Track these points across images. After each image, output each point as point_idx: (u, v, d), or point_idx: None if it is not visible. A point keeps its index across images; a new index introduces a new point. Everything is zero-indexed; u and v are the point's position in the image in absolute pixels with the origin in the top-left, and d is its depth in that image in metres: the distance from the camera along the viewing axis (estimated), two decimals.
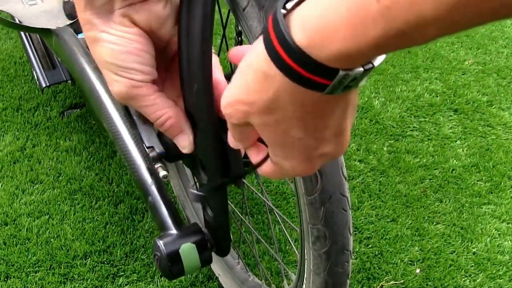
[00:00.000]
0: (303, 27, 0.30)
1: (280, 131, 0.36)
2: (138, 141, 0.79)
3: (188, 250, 0.67)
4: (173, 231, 0.70)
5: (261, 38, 0.34)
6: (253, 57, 0.34)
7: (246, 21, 0.61)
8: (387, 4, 0.25)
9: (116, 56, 0.47)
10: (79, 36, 1.32)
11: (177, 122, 0.52)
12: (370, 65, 0.32)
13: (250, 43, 0.64)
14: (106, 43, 0.47)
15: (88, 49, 1.21)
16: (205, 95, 0.49)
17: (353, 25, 0.27)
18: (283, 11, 0.31)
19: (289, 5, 0.31)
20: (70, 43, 1.02)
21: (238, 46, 0.43)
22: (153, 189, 0.73)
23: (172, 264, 0.66)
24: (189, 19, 0.47)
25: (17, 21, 1.20)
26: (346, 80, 0.31)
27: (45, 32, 1.12)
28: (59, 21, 1.14)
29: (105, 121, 0.82)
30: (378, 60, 0.32)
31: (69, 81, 1.40)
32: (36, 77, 1.39)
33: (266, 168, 0.41)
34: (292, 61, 0.30)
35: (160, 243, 0.68)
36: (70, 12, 1.21)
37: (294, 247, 1.20)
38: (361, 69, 0.31)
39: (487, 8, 0.24)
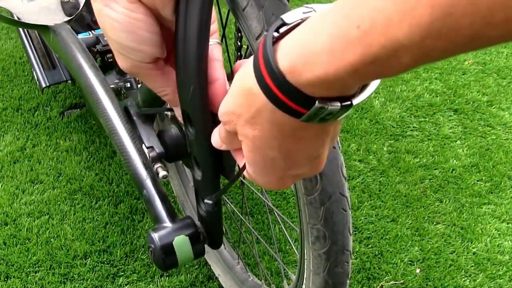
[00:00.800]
0: (286, 53, 0.31)
1: (256, 147, 0.38)
2: (134, 135, 0.80)
3: (181, 242, 0.69)
4: (167, 223, 0.72)
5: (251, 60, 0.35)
6: (244, 72, 0.35)
7: (245, 21, 0.61)
8: (365, 29, 0.26)
9: (117, 33, 0.46)
10: (79, 36, 1.32)
11: (174, 98, 0.53)
12: (348, 102, 0.33)
13: (249, 43, 0.64)
14: (108, 18, 0.46)
15: (101, 61, 1.21)
16: (200, 96, 0.49)
17: (333, 50, 0.28)
18: (276, 34, 0.33)
19: (282, 29, 0.33)
20: (67, 40, 1.03)
21: (244, 60, 0.44)
22: (148, 183, 0.75)
23: (165, 256, 0.68)
24: (186, 19, 0.46)
25: (16, 18, 1.21)
26: (322, 113, 0.33)
27: (43, 29, 1.12)
28: (56, 18, 1.15)
29: (101, 117, 0.83)
30: (358, 99, 0.34)
31: (69, 81, 1.40)
32: (36, 77, 1.39)
33: (246, 174, 0.43)
34: (274, 85, 0.32)
35: (155, 235, 0.69)
36: (69, 10, 1.22)
37: (294, 247, 1.20)
38: (338, 104, 0.33)
39: (460, 38, 0.25)
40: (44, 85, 1.36)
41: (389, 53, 0.26)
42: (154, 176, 0.76)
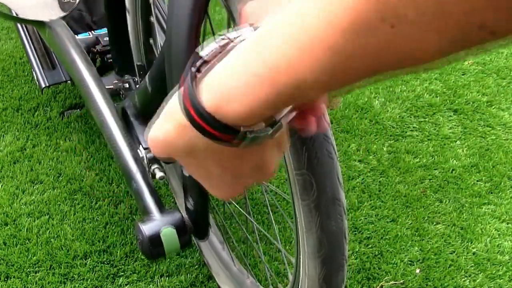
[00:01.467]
0: (209, 91, 0.32)
1: (201, 169, 0.39)
2: (124, 129, 0.81)
3: (168, 233, 0.71)
4: (155, 215, 0.74)
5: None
6: (173, 104, 0.36)
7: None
8: (271, 69, 0.29)
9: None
10: (79, 36, 1.32)
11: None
12: (276, 122, 0.35)
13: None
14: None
15: (101, 61, 1.24)
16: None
17: (246, 88, 0.30)
18: (193, 70, 0.34)
19: (200, 63, 0.34)
20: (62, 35, 1.04)
21: None
22: (137, 175, 0.77)
23: (153, 246, 0.71)
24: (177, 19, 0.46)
25: (13, 13, 1.21)
26: (250, 138, 0.34)
27: (39, 24, 1.13)
28: (52, 13, 1.16)
29: (93, 110, 0.85)
30: (285, 117, 0.35)
31: (69, 81, 1.40)
32: (36, 78, 1.39)
33: None
34: (200, 119, 0.33)
35: (142, 226, 0.71)
36: (65, 6, 1.22)
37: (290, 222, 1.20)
38: (262, 125, 0.34)
39: (355, 76, 0.28)
40: (44, 85, 1.36)
41: (295, 89, 0.29)
42: (143, 169, 0.78)
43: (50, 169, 1.39)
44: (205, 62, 0.33)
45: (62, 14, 1.15)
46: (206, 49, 0.34)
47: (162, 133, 0.37)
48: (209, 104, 0.32)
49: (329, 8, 0.25)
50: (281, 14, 0.28)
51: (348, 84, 0.29)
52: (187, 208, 0.74)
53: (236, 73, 0.31)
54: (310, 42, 0.26)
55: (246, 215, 1.08)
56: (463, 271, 1.21)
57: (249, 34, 0.33)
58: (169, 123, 0.36)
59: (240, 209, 1.17)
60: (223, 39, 0.34)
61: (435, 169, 1.46)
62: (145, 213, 0.75)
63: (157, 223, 0.72)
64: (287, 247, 1.25)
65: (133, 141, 0.81)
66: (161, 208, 0.75)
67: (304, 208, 0.67)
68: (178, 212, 0.74)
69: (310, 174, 0.65)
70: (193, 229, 0.74)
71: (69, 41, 1.01)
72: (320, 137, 0.64)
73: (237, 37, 0.34)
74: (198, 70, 0.33)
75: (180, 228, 0.72)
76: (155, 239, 0.70)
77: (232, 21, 0.64)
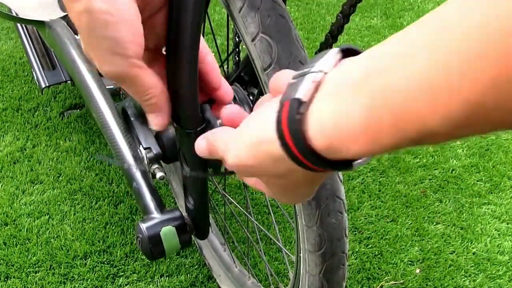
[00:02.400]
0: (321, 133, 0.30)
1: (288, 188, 0.38)
2: (124, 129, 0.81)
3: (168, 232, 0.72)
4: (155, 214, 0.74)
5: (268, 113, 0.34)
6: (263, 137, 0.34)
7: (241, 22, 0.61)
8: (399, 117, 0.27)
9: (114, 27, 0.41)
10: (78, 37, 1.32)
11: (158, 101, 0.48)
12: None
13: (246, 45, 0.64)
14: (100, 13, 0.40)
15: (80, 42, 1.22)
16: (191, 94, 0.50)
17: (368, 135, 0.28)
18: (297, 117, 0.31)
19: (304, 96, 0.31)
20: (62, 35, 1.04)
21: (230, 107, 0.43)
22: (138, 175, 0.78)
23: (153, 246, 0.71)
24: (179, 15, 0.46)
25: (14, 13, 1.21)
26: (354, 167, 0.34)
27: (39, 24, 1.13)
28: (53, 13, 1.16)
29: (94, 111, 0.85)
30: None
31: (69, 82, 1.40)
32: (36, 78, 1.39)
33: (254, 185, 0.44)
34: (306, 160, 0.31)
35: (142, 226, 0.72)
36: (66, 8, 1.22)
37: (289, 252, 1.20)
38: (369, 158, 0.34)
39: (489, 126, 0.26)
40: (44, 86, 1.36)
41: (419, 136, 0.27)
42: (143, 169, 0.79)
43: (50, 169, 1.39)
44: (303, 102, 0.31)
45: (62, 14, 1.15)
46: (300, 91, 0.31)
47: (252, 159, 0.36)
48: (319, 144, 0.30)
49: (472, 63, 0.23)
50: (409, 57, 0.26)
51: (478, 134, 0.27)
52: (187, 208, 0.74)
53: (353, 114, 0.28)
54: (446, 92, 0.24)
55: (248, 215, 1.08)
56: (463, 271, 1.21)
57: (345, 66, 0.31)
58: (258, 153, 0.35)
59: (240, 208, 1.17)
60: (315, 73, 0.31)
61: (435, 169, 1.46)
62: (146, 213, 0.76)
63: (157, 222, 0.72)
64: (287, 247, 1.25)
65: (133, 141, 0.81)
66: (162, 207, 0.76)
67: (304, 204, 0.68)
68: (178, 211, 0.75)
69: None
70: (193, 228, 0.75)
71: (70, 41, 1.01)
72: None
73: (326, 69, 0.32)
74: (298, 113, 0.31)
75: (180, 227, 0.73)
76: (155, 238, 0.71)
77: (232, 21, 0.64)
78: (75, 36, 1.05)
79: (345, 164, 0.32)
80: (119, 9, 0.41)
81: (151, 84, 0.46)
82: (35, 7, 1.20)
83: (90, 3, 0.40)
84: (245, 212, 1.12)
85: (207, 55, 0.51)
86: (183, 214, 0.75)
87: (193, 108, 0.51)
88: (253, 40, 0.61)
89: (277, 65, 0.61)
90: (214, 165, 0.57)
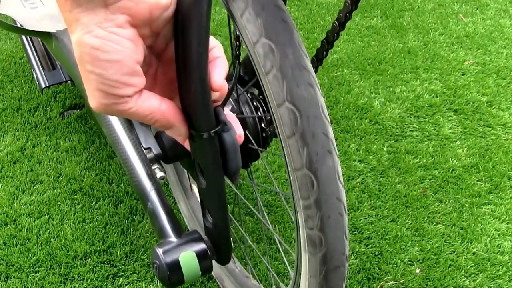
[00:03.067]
0: None
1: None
2: (138, 146, 0.77)
3: (188, 258, 0.66)
4: (173, 238, 0.69)
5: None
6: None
7: (243, 26, 0.61)
8: None
9: (102, 65, 0.39)
10: None
11: (165, 120, 0.46)
12: None
13: (247, 49, 0.64)
14: (90, 48, 0.39)
15: None
16: (202, 96, 0.48)
17: None
18: None
19: None
20: (69, 46, 1.02)
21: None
22: (153, 194, 0.72)
23: (171, 273, 0.65)
24: (185, 21, 0.45)
25: (18, 25, 1.20)
26: None
27: (45, 35, 1.12)
28: (59, 24, 1.15)
29: (104, 126, 0.81)
30: None
31: (69, 82, 1.40)
32: (36, 78, 1.39)
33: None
34: None
35: (159, 251, 0.66)
36: None
37: (289, 249, 1.20)
38: None
39: None
40: (44, 86, 1.36)
41: None
42: (158, 188, 0.73)
43: (50, 169, 1.39)
44: None
45: None
46: None
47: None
48: None
49: None
50: None
51: None
52: (206, 229, 0.67)
53: None
54: None
55: (258, 214, 1.08)
56: (463, 271, 1.21)
57: None
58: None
59: (251, 207, 1.17)
60: None
61: (435, 169, 1.46)
62: (162, 236, 0.70)
63: (176, 247, 0.66)
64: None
65: (146, 158, 0.78)
66: (179, 230, 0.70)
67: (305, 205, 0.67)
68: (198, 234, 0.69)
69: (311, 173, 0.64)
70: (214, 252, 0.68)
71: None
72: (320, 135, 0.64)
73: None
74: None
75: (201, 252, 0.66)
76: (174, 264, 0.65)
77: (232, 21, 0.64)
78: None
79: None
80: (112, 47, 0.39)
81: (148, 110, 0.44)
82: (41, 18, 1.19)
83: (82, 36, 0.39)
84: (257, 212, 1.11)
85: (214, 48, 0.48)
86: (204, 237, 0.69)
87: (205, 109, 0.49)
88: (255, 44, 0.61)
89: (279, 71, 0.61)
90: (231, 172, 0.55)
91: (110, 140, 0.81)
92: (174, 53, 0.47)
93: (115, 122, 0.80)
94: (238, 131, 0.52)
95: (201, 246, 0.67)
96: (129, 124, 0.81)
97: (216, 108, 0.50)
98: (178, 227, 0.71)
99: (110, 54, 0.39)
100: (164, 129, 0.48)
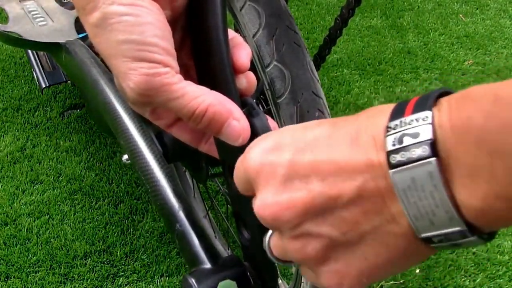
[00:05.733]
0: (478, 184, 0.24)
1: (379, 263, 0.30)
2: (161, 159, 0.69)
3: None
4: (207, 265, 0.61)
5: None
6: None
7: (242, 21, 0.61)
8: None
9: (134, 29, 0.36)
10: (80, 36, 1.32)
11: (221, 106, 0.38)
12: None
13: (246, 41, 0.64)
14: (119, 16, 0.35)
15: (102, 61, 1.12)
16: (225, 78, 0.42)
17: None
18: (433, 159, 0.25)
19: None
20: (81, 55, 0.97)
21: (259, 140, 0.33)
22: (182, 215, 0.64)
23: None
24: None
25: (27, 38, 1.19)
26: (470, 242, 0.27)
27: (54, 48, 1.09)
28: (68, 37, 1.13)
29: (122, 138, 0.74)
30: None
31: (69, 82, 1.40)
32: (36, 78, 1.39)
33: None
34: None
35: (193, 281, 0.57)
36: (82, 27, 1.21)
37: None
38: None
39: None
40: (44, 86, 1.36)
41: None
42: (188, 207, 0.64)
43: (50, 169, 1.39)
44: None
45: (79, 36, 1.12)
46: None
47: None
48: (472, 210, 0.25)
49: None
50: None
51: None
52: (244, 248, 0.54)
53: None
54: None
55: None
56: (463, 271, 1.21)
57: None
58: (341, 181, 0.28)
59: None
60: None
61: None
62: (195, 264, 0.62)
63: (212, 276, 0.57)
64: None
65: (173, 172, 0.69)
66: (215, 255, 0.62)
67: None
68: (236, 258, 0.60)
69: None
70: (257, 277, 0.56)
71: (90, 60, 0.92)
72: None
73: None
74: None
75: (242, 281, 0.56)
76: None
77: (234, 19, 0.64)
78: (95, 55, 0.97)
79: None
80: (141, 10, 0.36)
81: (194, 93, 0.37)
82: (49, 33, 1.17)
83: (107, 7, 0.36)
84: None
85: (234, 38, 0.44)
86: (243, 262, 0.58)
87: (229, 89, 0.41)
88: (254, 36, 0.61)
89: (290, 95, 0.59)
90: None
91: (128, 153, 0.73)
92: (192, 41, 0.43)
93: (135, 133, 0.73)
94: (273, 124, 0.43)
95: (242, 272, 0.57)
96: (148, 133, 0.74)
97: (244, 98, 0.44)
98: (213, 252, 0.62)
99: (140, 17, 0.36)
100: (220, 124, 0.39)
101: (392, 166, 0.26)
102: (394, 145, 0.26)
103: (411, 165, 0.25)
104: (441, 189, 0.25)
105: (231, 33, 0.43)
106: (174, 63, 0.37)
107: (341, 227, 0.29)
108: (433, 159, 0.25)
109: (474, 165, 0.24)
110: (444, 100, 0.26)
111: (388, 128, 0.27)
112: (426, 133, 0.25)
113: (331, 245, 0.29)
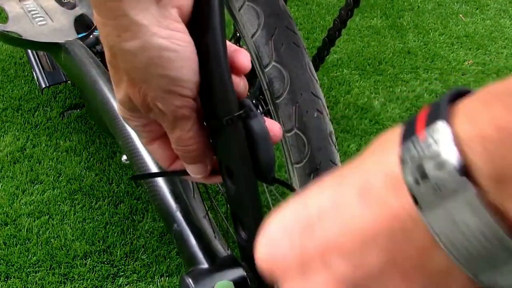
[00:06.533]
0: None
1: None
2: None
3: None
4: (205, 265, 0.61)
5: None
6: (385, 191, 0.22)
7: (241, 21, 0.61)
8: None
9: (173, 65, 0.35)
10: (79, 36, 1.32)
11: (199, 153, 0.41)
12: None
13: (245, 42, 0.64)
14: (159, 50, 0.34)
15: (101, 61, 1.12)
16: (221, 76, 0.41)
17: None
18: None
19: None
20: (80, 55, 0.98)
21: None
22: (179, 215, 0.64)
23: None
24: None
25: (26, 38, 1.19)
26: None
27: (53, 48, 1.10)
28: (68, 37, 1.13)
29: (121, 138, 0.74)
30: None
31: (69, 82, 1.40)
32: (36, 78, 1.39)
33: None
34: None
35: (190, 281, 0.57)
36: (83, 26, 1.20)
37: None
38: None
39: None
40: (44, 86, 1.36)
41: None
42: (186, 207, 0.65)
43: (50, 169, 1.39)
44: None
45: (78, 36, 1.12)
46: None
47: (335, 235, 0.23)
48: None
49: None
50: None
51: None
52: (241, 249, 0.54)
53: None
54: None
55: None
56: None
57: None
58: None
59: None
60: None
61: None
62: (192, 263, 0.62)
63: (209, 276, 0.57)
64: None
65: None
66: (212, 255, 0.62)
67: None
68: (235, 259, 0.60)
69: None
70: (255, 280, 0.55)
71: (89, 60, 0.93)
72: (322, 138, 0.63)
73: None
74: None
75: (239, 281, 0.56)
76: None
77: (233, 19, 0.64)
78: (94, 55, 0.98)
79: None
80: (180, 46, 0.35)
81: (195, 133, 0.40)
82: (49, 33, 1.18)
83: (149, 39, 0.34)
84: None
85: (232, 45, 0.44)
86: (240, 262, 0.58)
87: (225, 90, 0.41)
88: (252, 36, 0.61)
89: (289, 95, 0.59)
90: (263, 169, 0.43)
91: (127, 153, 0.74)
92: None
93: (132, 132, 0.74)
94: (275, 126, 0.43)
95: (239, 273, 0.57)
96: None
97: (241, 99, 0.43)
98: (211, 252, 0.63)
99: (179, 52, 0.35)
100: (191, 162, 0.42)
101: (422, 208, 0.20)
102: (417, 182, 0.20)
103: (444, 200, 0.20)
104: (487, 218, 0.19)
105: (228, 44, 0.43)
106: (196, 94, 0.38)
107: None
108: (470, 186, 0.19)
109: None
110: (463, 104, 0.21)
111: (402, 161, 0.21)
112: (451, 155, 0.19)
113: None
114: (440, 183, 0.19)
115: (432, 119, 0.21)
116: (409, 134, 0.21)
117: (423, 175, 0.20)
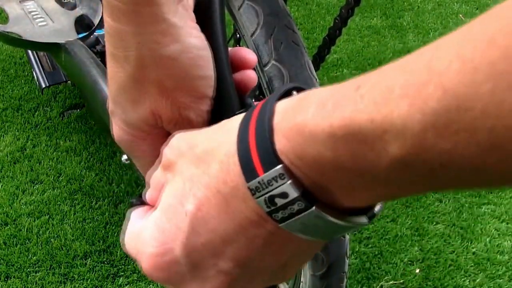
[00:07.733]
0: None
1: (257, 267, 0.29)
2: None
3: None
4: None
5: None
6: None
7: (241, 20, 0.61)
8: (362, 93, 0.23)
9: (210, 65, 0.35)
10: (80, 36, 1.32)
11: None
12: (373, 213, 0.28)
13: (245, 41, 0.64)
14: (197, 50, 0.33)
15: (101, 61, 1.14)
16: (222, 73, 0.40)
17: (323, 106, 0.24)
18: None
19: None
20: (80, 55, 0.99)
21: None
22: None
23: None
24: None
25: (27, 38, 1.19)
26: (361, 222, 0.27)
27: (54, 49, 1.10)
28: (68, 38, 1.14)
29: None
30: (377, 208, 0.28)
31: (69, 82, 1.40)
32: (36, 78, 1.39)
33: None
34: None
35: None
36: (83, 26, 1.20)
37: None
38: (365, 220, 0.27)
39: (472, 149, 0.19)
40: (44, 86, 1.36)
41: (376, 131, 0.21)
42: None
43: (50, 169, 1.39)
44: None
45: (78, 35, 1.12)
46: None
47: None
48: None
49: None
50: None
51: (447, 167, 0.20)
52: None
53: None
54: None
55: None
56: (463, 271, 1.21)
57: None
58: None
59: None
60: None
61: None
62: None
63: None
64: None
65: None
66: None
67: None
68: None
69: None
70: None
71: (89, 61, 0.94)
72: None
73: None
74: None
75: None
76: None
77: (233, 19, 0.64)
78: (94, 56, 0.99)
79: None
80: (206, 44, 0.35)
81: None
82: (50, 34, 1.18)
83: (187, 40, 0.33)
84: None
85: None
86: None
87: (226, 87, 0.41)
88: (252, 35, 0.61)
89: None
90: None
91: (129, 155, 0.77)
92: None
93: None
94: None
95: None
96: None
97: (243, 98, 0.44)
98: None
99: (208, 51, 0.34)
100: (133, 154, 0.42)
101: (279, 221, 0.25)
102: (269, 207, 0.25)
103: (295, 217, 0.25)
104: (329, 219, 0.25)
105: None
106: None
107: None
108: (313, 208, 0.24)
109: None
110: (282, 137, 0.24)
111: (251, 191, 0.25)
112: (292, 192, 0.24)
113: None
114: (289, 208, 0.24)
115: (267, 162, 0.24)
116: (250, 169, 0.25)
117: (273, 203, 0.25)
